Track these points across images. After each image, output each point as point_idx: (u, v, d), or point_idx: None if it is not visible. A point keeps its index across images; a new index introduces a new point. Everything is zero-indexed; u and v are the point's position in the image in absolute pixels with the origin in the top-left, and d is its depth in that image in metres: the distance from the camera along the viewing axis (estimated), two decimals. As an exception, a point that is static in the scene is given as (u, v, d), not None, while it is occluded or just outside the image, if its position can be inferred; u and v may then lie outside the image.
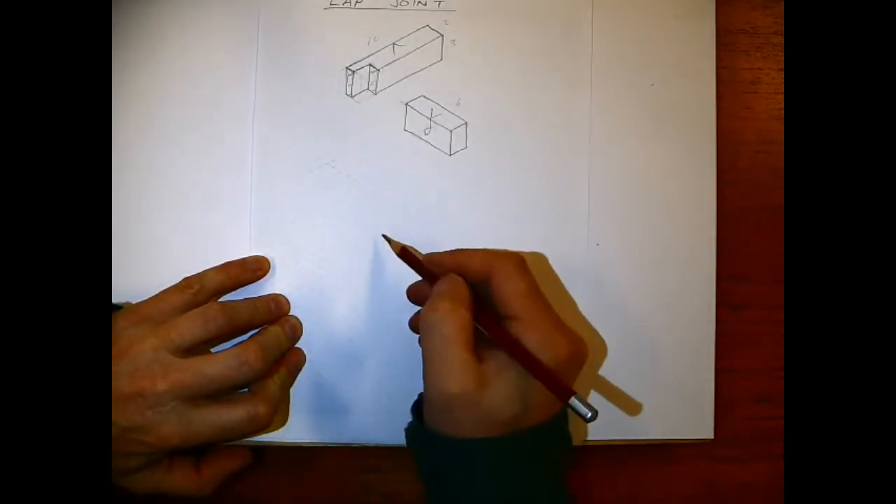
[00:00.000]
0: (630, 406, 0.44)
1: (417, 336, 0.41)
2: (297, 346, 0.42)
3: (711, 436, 0.44)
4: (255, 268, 0.42)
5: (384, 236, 0.42)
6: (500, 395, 0.34)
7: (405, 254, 0.40)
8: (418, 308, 0.42)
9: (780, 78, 0.47)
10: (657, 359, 0.44)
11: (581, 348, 0.36)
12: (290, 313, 0.43)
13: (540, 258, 0.43)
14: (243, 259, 0.42)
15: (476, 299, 0.37)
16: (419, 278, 0.41)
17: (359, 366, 0.43)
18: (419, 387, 0.37)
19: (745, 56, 0.47)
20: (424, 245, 0.42)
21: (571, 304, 0.44)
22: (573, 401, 0.34)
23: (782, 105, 0.47)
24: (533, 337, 0.35)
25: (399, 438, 0.40)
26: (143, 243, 0.42)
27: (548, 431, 0.36)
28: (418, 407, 0.38)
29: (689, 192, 0.45)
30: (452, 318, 0.35)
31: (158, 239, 0.42)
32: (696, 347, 0.44)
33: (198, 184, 0.43)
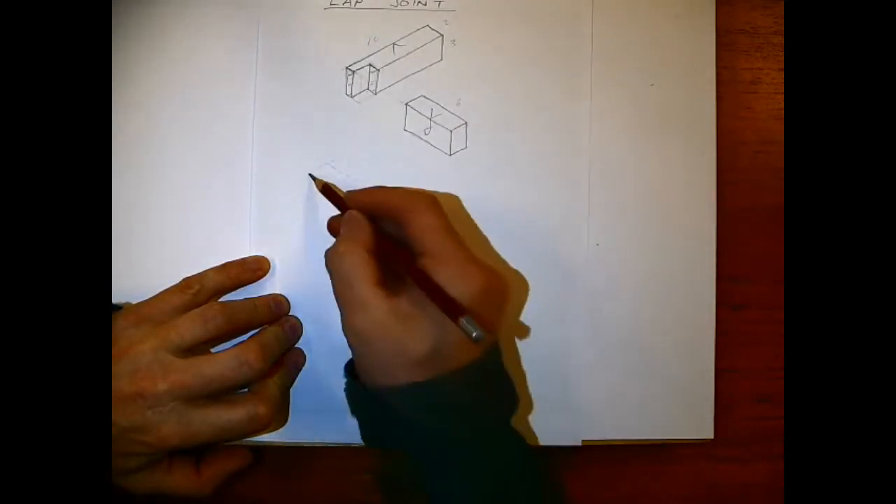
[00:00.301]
0: (520, 330, 0.43)
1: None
2: (297, 346, 0.42)
3: (711, 436, 0.44)
4: (255, 268, 0.42)
5: (310, 175, 0.42)
6: (415, 328, 0.34)
7: (327, 191, 0.41)
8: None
9: (780, 78, 0.47)
10: (657, 359, 0.44)
11: (497, 283, 0.36)
12: (290, 313, 0.43)
13: (453, 199, 0.43)
14: (243, 259, 0.42)
15: (392, 237, 0.37)
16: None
17: (359, 366, 0.43)
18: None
19: (745, 56, 0.47)
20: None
21: (486, 244, 0.43)
22: (462, 321, 0.33)
23: (782, 105, 0.47)
24: (445, 271, 0.35)
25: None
26: (143, 243, 0.42)
27: (473, 374, 0.35)
28: (350, 364, 0.38)
29: (689, 192, 0.45)
30: (351, 259, 0.35)
31: (158, 239, 0.42)
32: (696, 347, 0.44)
33: (198, 184, 0.43)
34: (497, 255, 0.43)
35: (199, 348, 0.38)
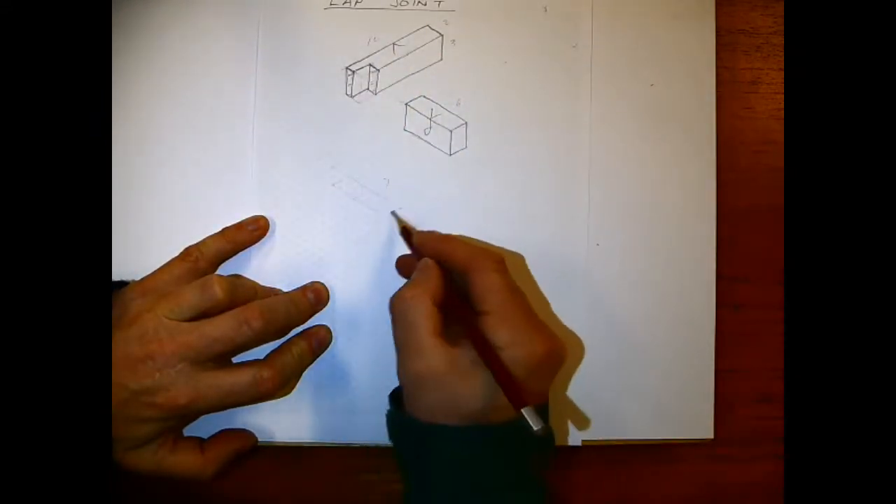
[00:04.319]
0: (580, 421, 0.44)
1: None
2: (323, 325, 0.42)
3: (711, 436, 0.44)
4: (253, 227, 0.42)
5: (393, 213, 0.43)
6: (471, 384, 0.35)
7: (405, 233, 0.41)
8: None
9: (780, 78, 0.47)
10: (657, 358, 0.44)
11: (557, 349, 0.36)
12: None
13: (518, 259, 0.43)
14: (240, 221, 0.42)
15: (458, 292, 0.37)
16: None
17: (359, 366, 0.43)
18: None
19: (745, 56, 0.47)
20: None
21: (546, 306, 0.43)
22: (525, 411, 0.33)
23: (782, 105, 0.47)
24: (505, 333, 0.35)
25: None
26: (144, 246, 0.42)
27: (514, 429, 0.35)
28: (396, 394, 0.39)
29: (689, 192, 0.45)
30: (416, 306, 0.36)
31: (161, 243, 0.42)
32: (696, 347, 0.44)
33: (198, 185, 0.43)
34: (556, 318, 0.43)
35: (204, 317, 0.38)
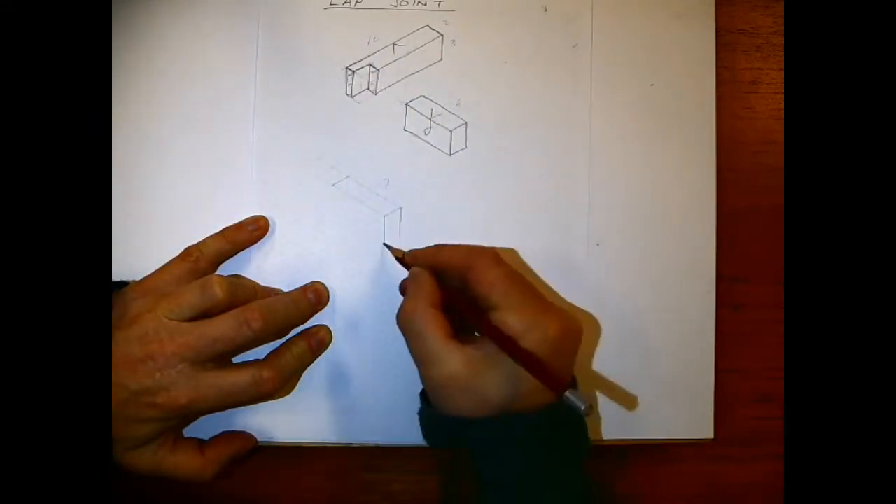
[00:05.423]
0: (627, 400, 0.44)
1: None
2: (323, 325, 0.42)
3: (711, 436, 0.44)
4: (253, 227, 0.42)
5: (385, 244, 0.43)
6: (491, 380, 0.35)
7: (402, 261, 0.41)
8: None
9: (780, 78, 0.47)
10: (657, 359, 0.44)
11: (572, 326, 0.37)
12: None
13: (512, 253, 0.43)
14: (240, 221, 0.42)
15: (464, 295, 0.37)
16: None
17: (359, 366, 0.43)
18: (419, 386, 0.38)
19: (745, 56, 0.47)
20: (425, 245, 0.42)
21: (550, 291, 0.43)
22: (567, 395, 0.34)
23: (782, 105, 0.47)
24: (517, 320, 0.35)
25: (399, 438, 0.40)
26: (144, 246, 0.42)
27: (548, 415, 0.36)
28: (425, 393, 0.39)
29: (689, 192, 0.45)
30: (420, 315, 0.36)
31: (159, 241, 0.42)
32: (696, 347, 0.44)
33: (198, 185, 0.43)
34: (563, 299, 0.43)
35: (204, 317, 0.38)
